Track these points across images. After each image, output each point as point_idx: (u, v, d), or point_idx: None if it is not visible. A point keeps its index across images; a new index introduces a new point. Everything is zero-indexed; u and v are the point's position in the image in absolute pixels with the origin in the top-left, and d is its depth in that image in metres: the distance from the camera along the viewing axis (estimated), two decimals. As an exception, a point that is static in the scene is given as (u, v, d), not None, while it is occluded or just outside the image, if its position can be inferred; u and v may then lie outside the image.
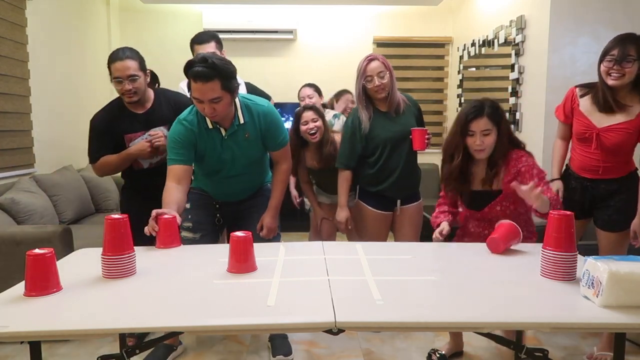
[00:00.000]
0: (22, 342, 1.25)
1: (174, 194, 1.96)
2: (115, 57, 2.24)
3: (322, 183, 2.89)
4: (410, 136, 2.41)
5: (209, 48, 2.70)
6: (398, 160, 2.44)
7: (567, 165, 2.42)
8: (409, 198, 2.54)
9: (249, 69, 3.84)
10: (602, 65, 2.14)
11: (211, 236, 2.22)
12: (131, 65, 2.23)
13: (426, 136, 2.40)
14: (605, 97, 2.15)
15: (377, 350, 2.52)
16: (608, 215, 2.25)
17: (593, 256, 1.30)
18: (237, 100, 2.07)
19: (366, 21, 5.37)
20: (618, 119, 2.14)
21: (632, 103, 2.13)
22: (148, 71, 2.34)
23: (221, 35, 2.89)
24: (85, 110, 4.61)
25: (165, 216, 1.82)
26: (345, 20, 5.36)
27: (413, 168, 2.52)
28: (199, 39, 2.75)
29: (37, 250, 1.33)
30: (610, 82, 2.11)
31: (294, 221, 3.81)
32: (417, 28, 5.36)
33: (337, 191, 2.58)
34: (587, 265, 1.28)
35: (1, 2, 3.27)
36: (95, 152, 2.37)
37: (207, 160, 2.13)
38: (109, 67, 2.26)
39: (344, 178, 2.51)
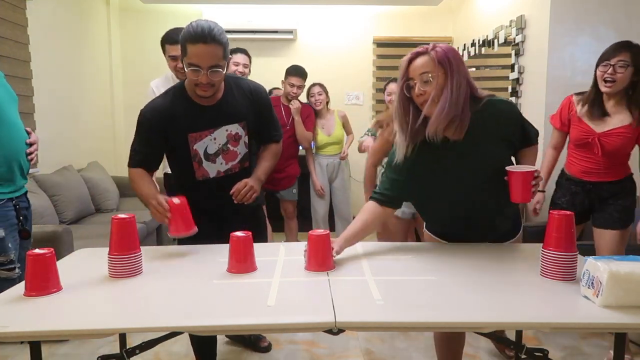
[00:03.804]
0: (22, 342, 1.25)
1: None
2: (197, 36, 1.65)
3: None
4: (506, 177, 1.59)
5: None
6: (475, 211, 1.70)
7: (563, 170, 2.48)
8: (502, 236, 1.81)
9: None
10: (597, 71, 2.23)
11: None
12: (216, 52, 1.69)
13: (532, 182, 1.56)
14: (594, 104, 2.27)
15: (377, 350, 2.52)
16: (609, 214, 2.31)
17: (593, 256, 1.30)
18: None
19: (366, 21, 5.37)
20: (615, 123, 2.23)
21: (622, 109, 2.23)
22: (230, 57, 1.84)
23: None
24: (84, 110, 4.62)
25: (175, 200, 1.70)
26: (345, 20, 5.36)
27: (498, 213, 1.74)
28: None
29: (37, 250, 1.33)
30: (603, 89, 2.21)
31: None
32: (417, 28, 5.36)
33: None
34: (587, 265, 1.28)
35: (2, 2, 3.27)
36: (136, 152, 1.87)
37: None
38: (183, 46, 1.70)
39: (365, 209, 1.75)
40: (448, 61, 1.52)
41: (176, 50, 2.54)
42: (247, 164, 1.98)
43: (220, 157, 1.91)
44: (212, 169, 1.92)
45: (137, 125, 1.87)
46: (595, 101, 2.26)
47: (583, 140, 2.30)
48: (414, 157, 1.62)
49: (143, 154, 1.88)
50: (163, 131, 1.84)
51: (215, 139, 1.88)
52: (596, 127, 2.27)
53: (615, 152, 2.26)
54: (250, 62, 3.27)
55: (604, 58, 2.20)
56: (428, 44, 1.56)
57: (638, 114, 2.20)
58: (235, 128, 1.90)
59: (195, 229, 1.74)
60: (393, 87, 3.11)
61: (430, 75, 1.51)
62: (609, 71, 2.17)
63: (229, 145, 1.91)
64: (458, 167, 1.63)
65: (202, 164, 1.90)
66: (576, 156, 2.37)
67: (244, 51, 3.25)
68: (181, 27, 2.45)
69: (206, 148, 1.88)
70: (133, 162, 1.88)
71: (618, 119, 2.23)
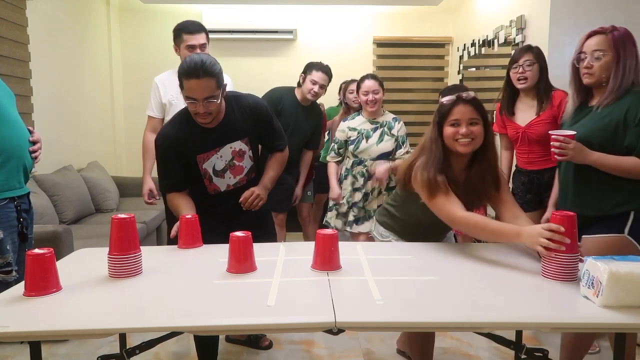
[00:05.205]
0: (22, 342, 1.25)
1: None
2: (190, 72, 1.80)
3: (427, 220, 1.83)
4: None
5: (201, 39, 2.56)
6: (573, 172, 1.86)
7: (515, 166, 2.70)
8: (592, 226, 1.79)
9: (249, 69, 3.83)
10: (511, 73, 2.51)
11: None
12: (209, 85, 1.82)
13: (557, 143, 1.76)
14: (510, 100, 2.57)
15: (377, 350, 2.52)
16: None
17: (593, 256, 1.30)
18: None
19: (366, 21, 5.37)
20: (533, 114, 2.49)
21: (534, 101, 2.51)
22: (225, 84, 1.93)
23: (221, 35, 2.88)
24: (84, 111, 4.62)
25: (187, 216, 1.83)
26: (345, 20, 5.36)
27: (598, 183, 1.79)
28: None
29: (37, 250, 1.33)
30: (519, 86, 2.49)
31: (295, 221, 3.81)
32: (417, 28, 5.36)
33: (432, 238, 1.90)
34: (587, 265, 1.28)
35: (2, 2, 3.27)
36: (164, 178, 2.02)
37: None
38: (180, 80, 1.86)
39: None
40: (623, 45, 1.73)
41: (195, 39, 2.56)
42: (253, 175, 2.12)
43: (228, 172, 2.05)
44: (222, 184, 2.06)
45: (155, 154, 2.04)
46: (511, 100, 2.57)
47: (515, 136, 2.57)
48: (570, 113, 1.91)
49: (168, 179, 2.02)
50: (177, 154, 1.98)
51: (221, 156, 2.02)
52: (521, 122, 2.53)
53: (540, 139, 2.42)
54: (328, 82, 3.13)
55: (513, 61, 2.49)
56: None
57: (543, 102, 2.47)
58: (238, 145, 2.03)
59: (201, 245, 1.86)
60: (369, 84, 2.90)
61: (602, 53, 1.74)
62: (520, 70, 2.46)
63: (234, 161, 2.05)
64: (582, 126, 1.81)
65: (212, 180, 2.04)
66: (518, 150, 2.62)
67: (325, 70, 3.08)
68: (210, 30, 2.59)
69: (214, 166, 2.02)
70: (163, 189, 2.04)
71: (533, 110, 2.49)
